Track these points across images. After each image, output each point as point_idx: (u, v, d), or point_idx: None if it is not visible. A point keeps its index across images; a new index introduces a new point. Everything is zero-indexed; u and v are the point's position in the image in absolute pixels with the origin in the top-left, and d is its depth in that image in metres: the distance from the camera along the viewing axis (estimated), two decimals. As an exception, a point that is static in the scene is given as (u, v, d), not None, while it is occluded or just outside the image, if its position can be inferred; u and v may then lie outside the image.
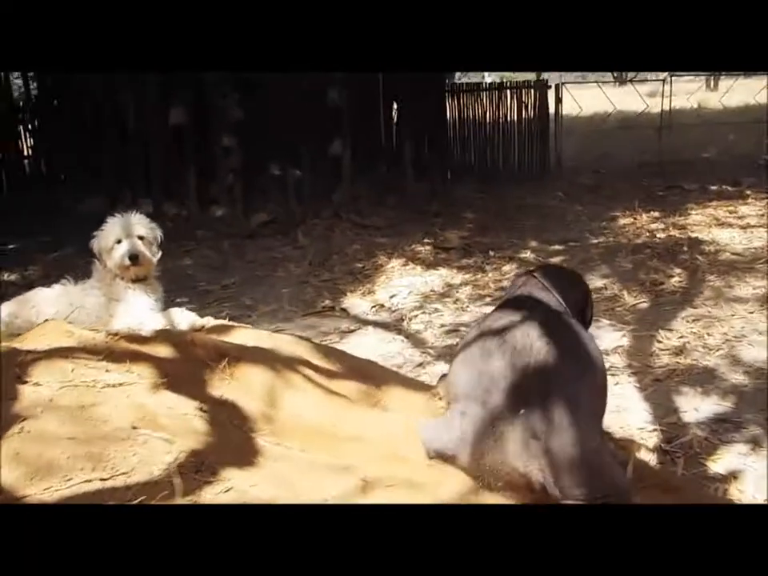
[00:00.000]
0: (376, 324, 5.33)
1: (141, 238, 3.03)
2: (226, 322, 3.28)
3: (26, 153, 11.01)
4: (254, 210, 8.58)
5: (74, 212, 8.48)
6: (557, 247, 6.61)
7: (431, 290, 5.98)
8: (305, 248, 7.25)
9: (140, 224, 3.08)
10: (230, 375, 2.48)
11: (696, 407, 3.80)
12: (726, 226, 6.81)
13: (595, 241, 6.69)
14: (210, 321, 3.08)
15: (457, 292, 5.91)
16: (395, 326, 5.26)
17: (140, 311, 2.96)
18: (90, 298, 3.01)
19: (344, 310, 5.65)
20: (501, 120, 12.04)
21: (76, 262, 5.77)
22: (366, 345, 4.89)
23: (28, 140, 11.07)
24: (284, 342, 2.89)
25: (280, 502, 1.92)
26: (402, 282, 6.24)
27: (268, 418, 2.36)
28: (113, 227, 3.02)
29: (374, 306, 5.69)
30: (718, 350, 4.41)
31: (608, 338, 4.72)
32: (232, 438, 2.25)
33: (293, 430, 2.35)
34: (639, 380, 4.13)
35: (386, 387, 2.77)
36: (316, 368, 2.68)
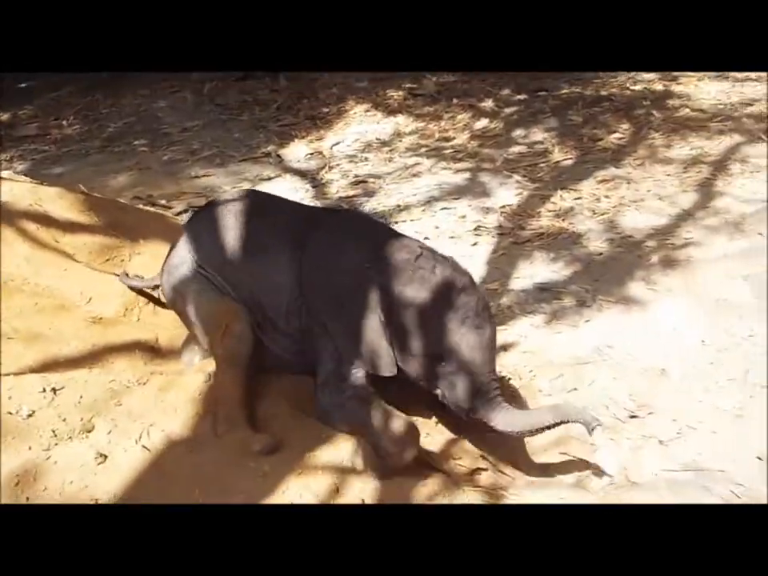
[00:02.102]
0: (296, 172, 5.40)
1: None
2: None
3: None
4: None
5: None
6: (519, 97, 6.32)
7: (376, 138, 5.94)
8: (281, 91, 7.22)
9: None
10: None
11: (532, 273, 3.79)
12: (719, 79, 6.24)
13: (565, 91, 6.34)
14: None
15: (400, 141, 5.84)
16: (313, 175, 5.32)
17: None
18: None
19: (278, 156, 5.72)
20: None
21: None
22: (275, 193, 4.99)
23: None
24: (48, 194, 3.08)
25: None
26: (355, 129, 6.22)
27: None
28: None
29: (309, 154, 5.72)
30: (603, 215, 4.30)
31: (503, 196, 4.65)
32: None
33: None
34: (499, 242, 4.11)
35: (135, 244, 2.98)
36: (56, 223, 2.88)
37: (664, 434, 2.77)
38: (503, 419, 2.43)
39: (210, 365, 2.53)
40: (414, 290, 2.39)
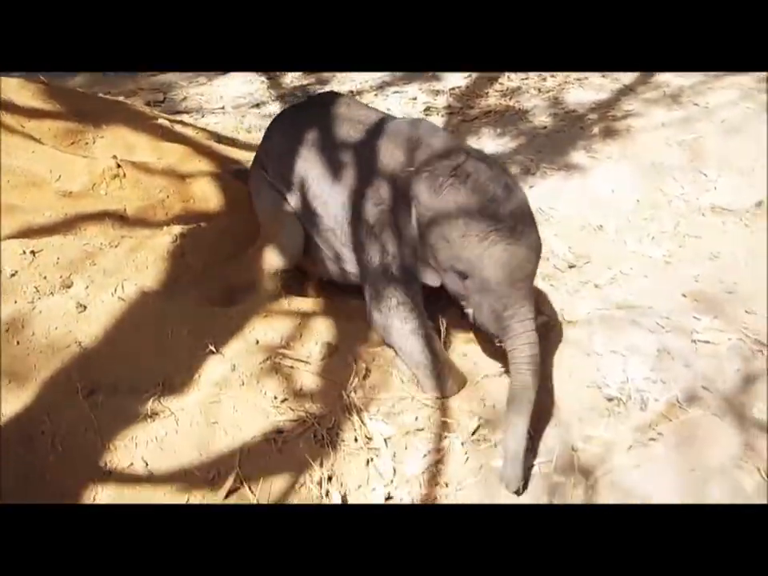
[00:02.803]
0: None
1: None
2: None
3: None
4: None
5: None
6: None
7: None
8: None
9: None
10: None
11: (479, 147, 3.96)
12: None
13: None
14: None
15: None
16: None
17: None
18: None
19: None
20: None
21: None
22: (229, 86, 5.07)
23: None
24: (10, 85, 3.18)
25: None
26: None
27: None
28: None
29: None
30: (548, 92, 4.45)
31: (453, 79, 4.79)
32: None
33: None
34: (448, 120, 4.29)
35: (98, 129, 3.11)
36: (20, 110, 3.00)
37: (599, 280, 3.03)
38: (514, 366, 2.23)
39: (177, 228, 2.72)
40: (443, 200, 2.21)
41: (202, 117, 4.55)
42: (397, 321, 2.46)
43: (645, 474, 2.24)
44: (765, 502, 2.12)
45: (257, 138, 3.89)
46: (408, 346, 2.48)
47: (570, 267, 3.12)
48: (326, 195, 2.60)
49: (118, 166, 2.96)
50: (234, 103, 4.77)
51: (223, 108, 4.68)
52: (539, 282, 2.98)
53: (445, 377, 2.48)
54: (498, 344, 2.33)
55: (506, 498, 2.20)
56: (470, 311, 2.35)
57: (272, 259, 2.72)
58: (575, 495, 2.21)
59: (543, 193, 3.54)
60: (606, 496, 2.19)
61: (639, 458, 2.28)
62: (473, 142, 4.01)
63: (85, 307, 2.34)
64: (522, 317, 2.18)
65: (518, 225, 2.16)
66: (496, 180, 2.21)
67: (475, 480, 2.25)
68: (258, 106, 4.70)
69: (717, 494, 2.16)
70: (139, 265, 2.54)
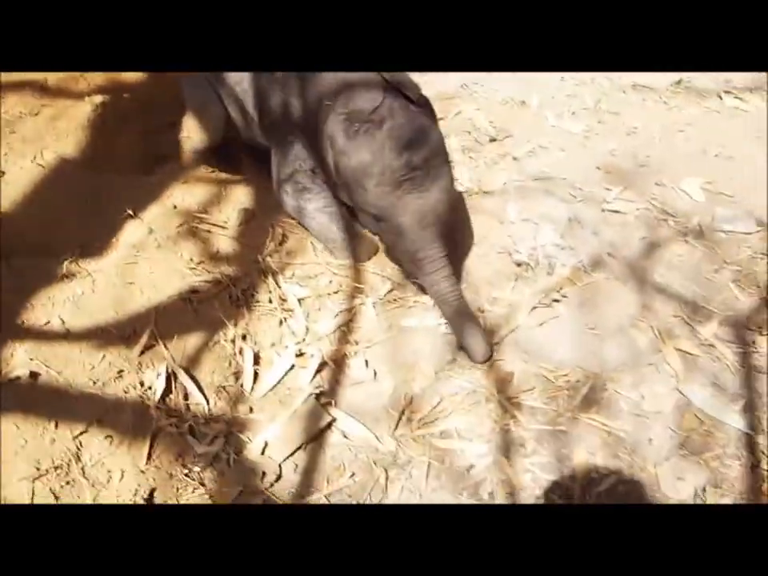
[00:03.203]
0: None
1: None
2: None
3: None
4: None
5: None
6: None
7: None
8: None
9: None
10: None
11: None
12: None
13: None
14: None
15: None
16: None
17: None
18: None
19: None
20: None
21: None
22: None
23: None
24: None
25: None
26: None
27: None
28: None
29: None
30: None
31: None
32: None
33: None
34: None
35: None
36: None
37: (517, 152, 3.08)
38: (438, 301, 2.30)
39: (99, 98, 2.68)
40: (357, 147, 2.16)
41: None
42: (302, 202, 2.53)
43: (546, 332, 2.35)
44: (656, 359, 2.25)
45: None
46: (316, 225, 2.55)
47: (491, 141, 3.15)
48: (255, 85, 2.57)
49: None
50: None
51: None
52: (459, 155, 3.01)
53: (356, 246, 2.55)
54: (414, 280, 2.43)
55: (411, 356, 2.29)
56: (383, 246, 2.47)
57: (195, 134, 2.70)
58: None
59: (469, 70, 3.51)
60: (509, 354, 2.30)
61: (542, 318, 2.38)
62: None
63: (3, 173, 2.31)
64: (433, 257, 2.23)
65: (431, 170, 2.18)
66: (412, 123, 2.17)
67: (385, 337, 2.34)
68: None
69: (614, 352, 2.28)
70: (59, 133, 2.52)
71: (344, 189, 2.30)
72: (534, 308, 2.41)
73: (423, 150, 2.16)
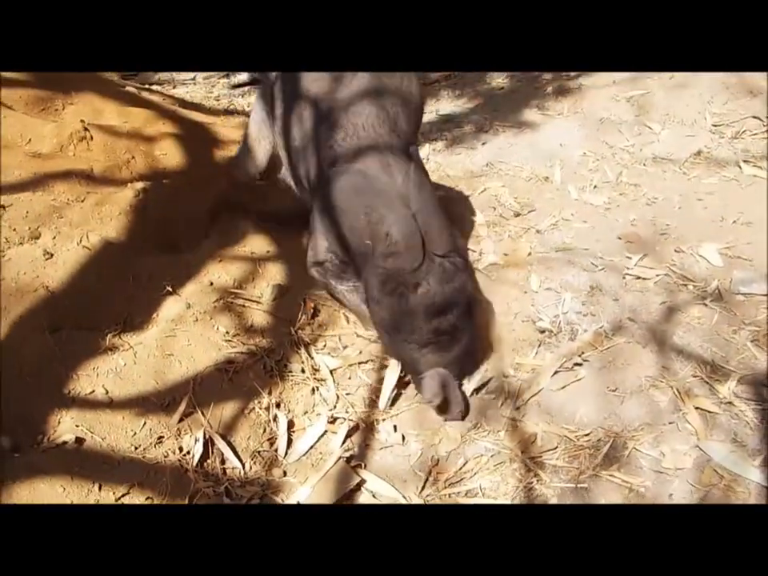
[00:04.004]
0: None
1: None
2: None
3: None
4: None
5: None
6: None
7: None
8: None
9: None
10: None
11: (438, 108, 4.14)
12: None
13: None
14: None
15: None
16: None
17: None
18: None
19: None
20: None
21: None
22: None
23: None
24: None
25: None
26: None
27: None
28: None
29: None
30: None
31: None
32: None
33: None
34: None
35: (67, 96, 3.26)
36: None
37: (541, 226, 3.21)
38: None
39: (140, 184, 2.91)
40: (388, 303, 2.28)
41: (173, 87, 4.72)
42: (334, 283, 2.65)
43: (569, 394, 2.43)
44: (676, 417, 2.31)
45: (223, 104, 4.06)
46: (347, 302, 2.69)
47: (516, 216, 3.30)
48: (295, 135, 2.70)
49: (86, 129, 3.13)
50: (206, 74, 4.94)
51: (194, 79, 4.84)
52: (485, 230, 3.16)
53: None
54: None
55: (437, 422, 2.40)
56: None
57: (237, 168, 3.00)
58: (503, 415, 2.40)
59: (494, 148, 3.71)
60: (533, 416, 2.38)
61: (564, 381, 2.46)
62: (431, 103, 4.17)
63: (51, 255, 2.52)
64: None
65: (457, 333, 2.32)
66: (444, 289, 2.24)
67: (412, 404, 2.45)
68: (227, 75, 4.86)
69: (634, 411, 2.35)
70: (104, 217, 2.72)
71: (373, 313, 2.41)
72: (557, 372, 2.49)
73: (452, 315, 2.26)
